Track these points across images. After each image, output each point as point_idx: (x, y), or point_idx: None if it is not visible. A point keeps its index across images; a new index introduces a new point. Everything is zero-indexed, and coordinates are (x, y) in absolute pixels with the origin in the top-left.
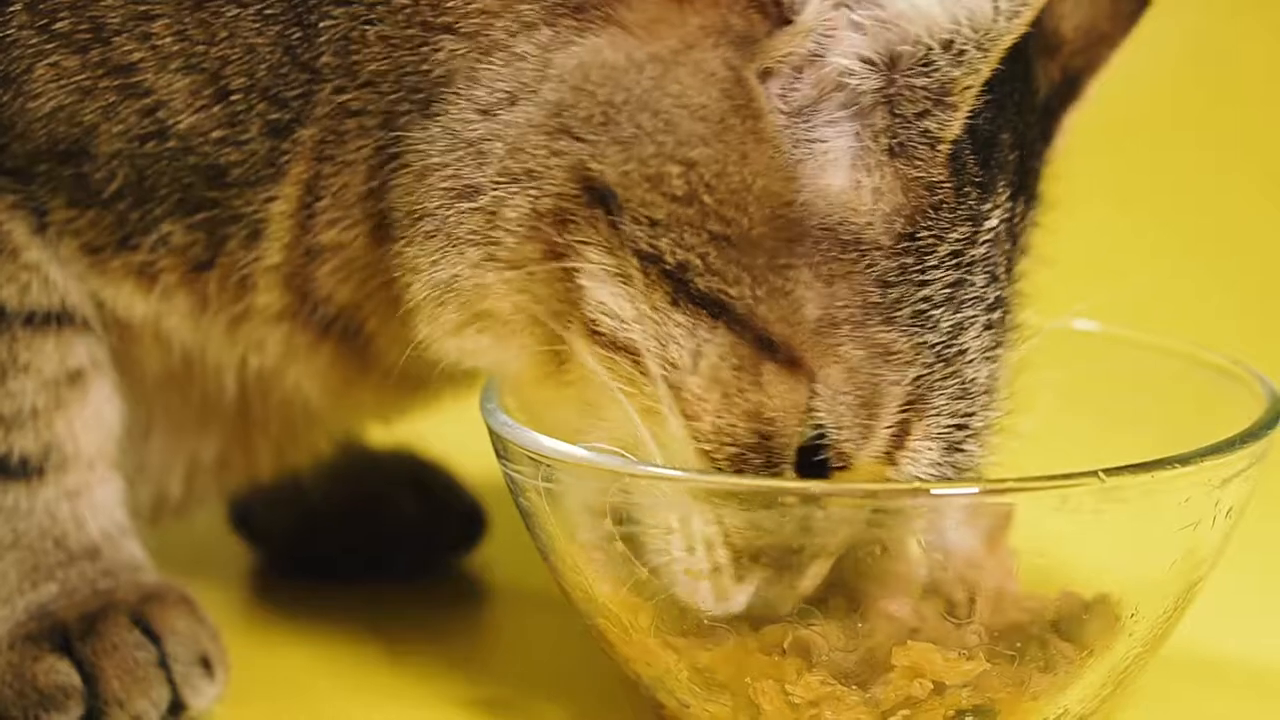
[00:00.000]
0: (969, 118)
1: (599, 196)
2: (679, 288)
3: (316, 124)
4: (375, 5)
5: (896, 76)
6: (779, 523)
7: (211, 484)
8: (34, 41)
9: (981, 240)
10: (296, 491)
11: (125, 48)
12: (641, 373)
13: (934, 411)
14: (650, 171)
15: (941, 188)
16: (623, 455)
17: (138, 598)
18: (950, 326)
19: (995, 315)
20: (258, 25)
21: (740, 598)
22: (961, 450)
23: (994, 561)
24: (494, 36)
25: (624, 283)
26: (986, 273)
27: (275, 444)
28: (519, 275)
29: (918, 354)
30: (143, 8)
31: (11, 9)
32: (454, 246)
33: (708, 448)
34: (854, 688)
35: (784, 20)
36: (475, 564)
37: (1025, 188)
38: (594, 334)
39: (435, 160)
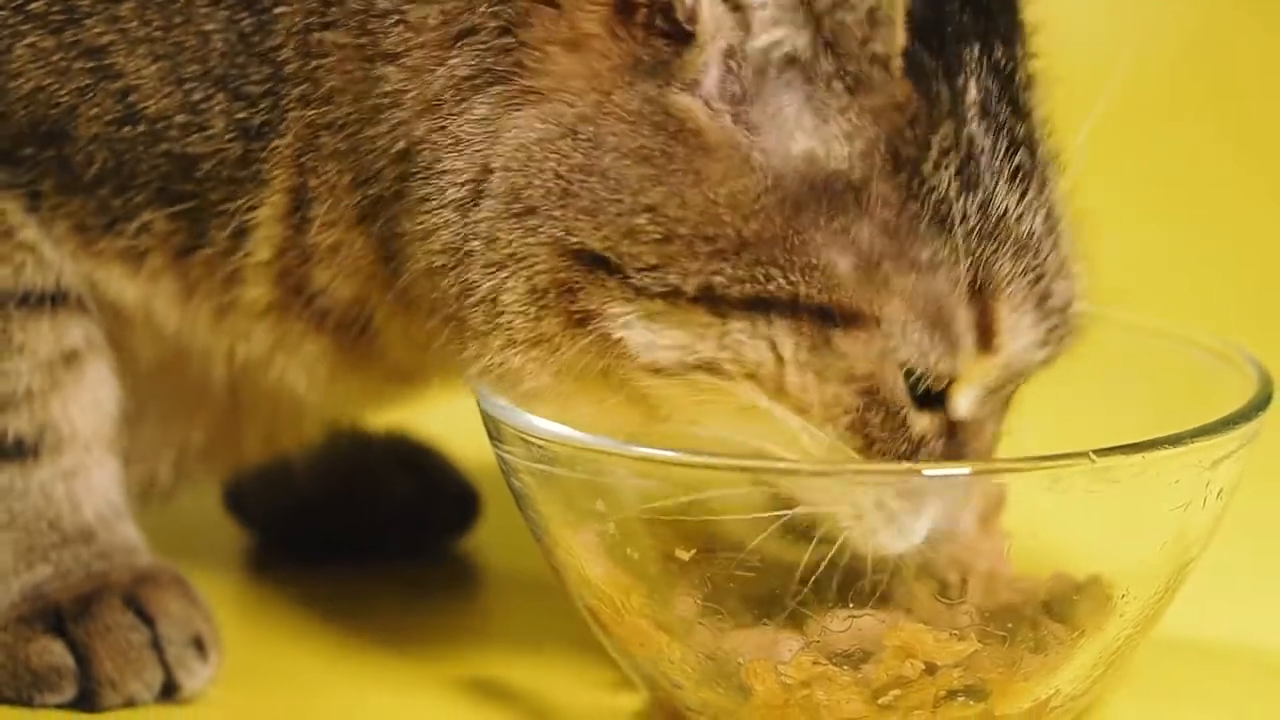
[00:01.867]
0: (905, 18)
1: (593, 260)
2: (716, 303)
3: (292, 134)
4: (329, 6)
5: (823, 21)
6: None
7: (201, 469)
8: (11, 21)
9: (970, 118)
10: (289, 474)
11: (96, 30)
12: (729, 379)
13: (1006, 284)
14: (623, 228)
15: (909, 100)
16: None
17: (131, 579)
18: (978, 206)
19: (1021, 162)
20: (206, 10)
21: (921, 527)
22: (1052, 296)
23: (986, 543)
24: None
25: (661, 318)
26: (990, 136)
27: (264, 431)
28: (546, 351)
29: (959, 249)
30: None
31: None
32: (475, 338)
33: (827, 425)
34: (845, 668)
35: (686, 35)
36: (469, 546)
37: (995, 27)
38: (659, 370)
39: (438, 263)
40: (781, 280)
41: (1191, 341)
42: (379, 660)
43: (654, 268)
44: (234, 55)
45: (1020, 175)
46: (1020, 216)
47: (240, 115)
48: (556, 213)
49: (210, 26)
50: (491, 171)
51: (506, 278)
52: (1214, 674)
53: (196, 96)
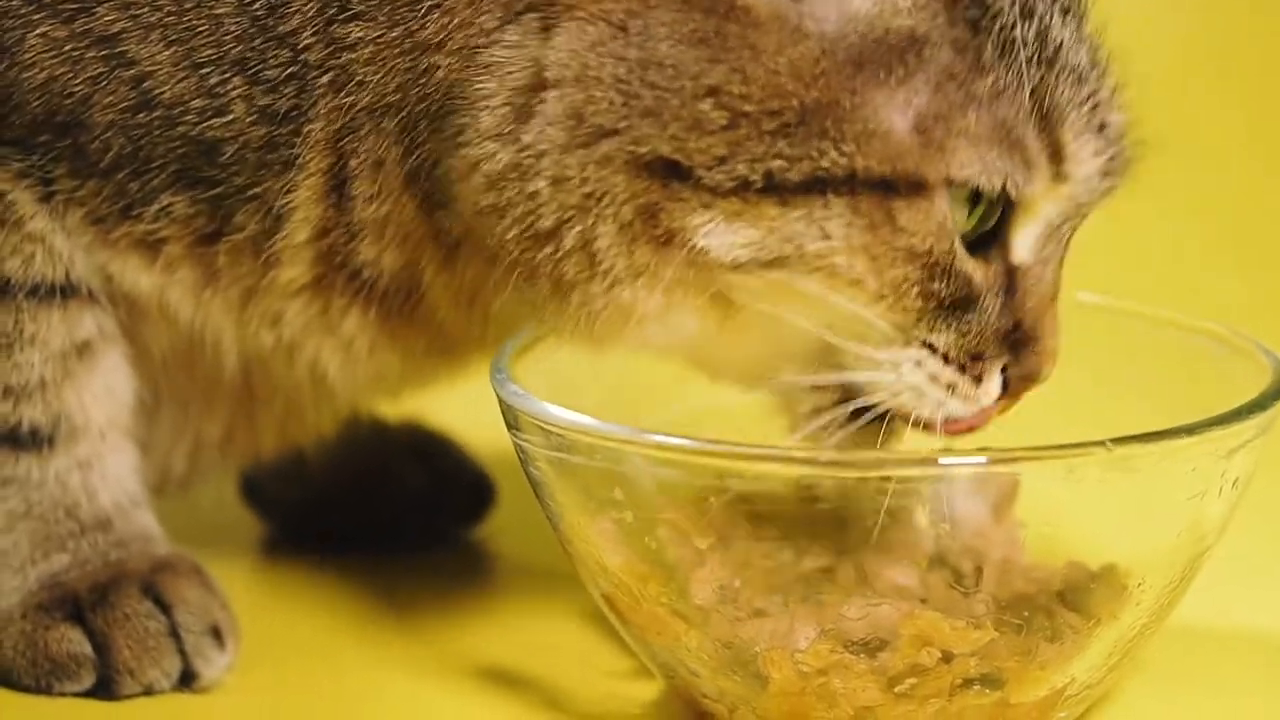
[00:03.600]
0: None
1: (665, 170)
2: (779, 191)
3: (325, 119)
4: None
5: None
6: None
7: (215, 460)
8: (24, 12)
9: None
10: (305, 465)
11: (108, 18)
12: (795, 271)
13: (1068, 110)
14: (689, 120)
15: None
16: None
17: (149, 568)
18: (1035, 34)
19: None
20: None
21: (993, 388)
22: (1109, 125)
23: (1001, 532)
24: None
25: (735, 217)
26: None
27: (279, 422)
28: (648, 279)
29: (1021, 74)
30: None
31: None
32: (574, 288)
33: (891, 306)
34: (861, 656)
35: None
36: (483, 535)
37: None
38: (739, 268)
39: (485, 202)
40: (835, 154)
41: (1205, 332)
42: (394, 648)
43: (723, 160)
44: (249, 40)
45: (1068, 10)
46: (1073, 48)
47: (262, 100)
48: (622, 124)
49: (222, 10)
50: (545, 88)
51: (593, 222)
52: (1227, 660)
53: (213, 80)
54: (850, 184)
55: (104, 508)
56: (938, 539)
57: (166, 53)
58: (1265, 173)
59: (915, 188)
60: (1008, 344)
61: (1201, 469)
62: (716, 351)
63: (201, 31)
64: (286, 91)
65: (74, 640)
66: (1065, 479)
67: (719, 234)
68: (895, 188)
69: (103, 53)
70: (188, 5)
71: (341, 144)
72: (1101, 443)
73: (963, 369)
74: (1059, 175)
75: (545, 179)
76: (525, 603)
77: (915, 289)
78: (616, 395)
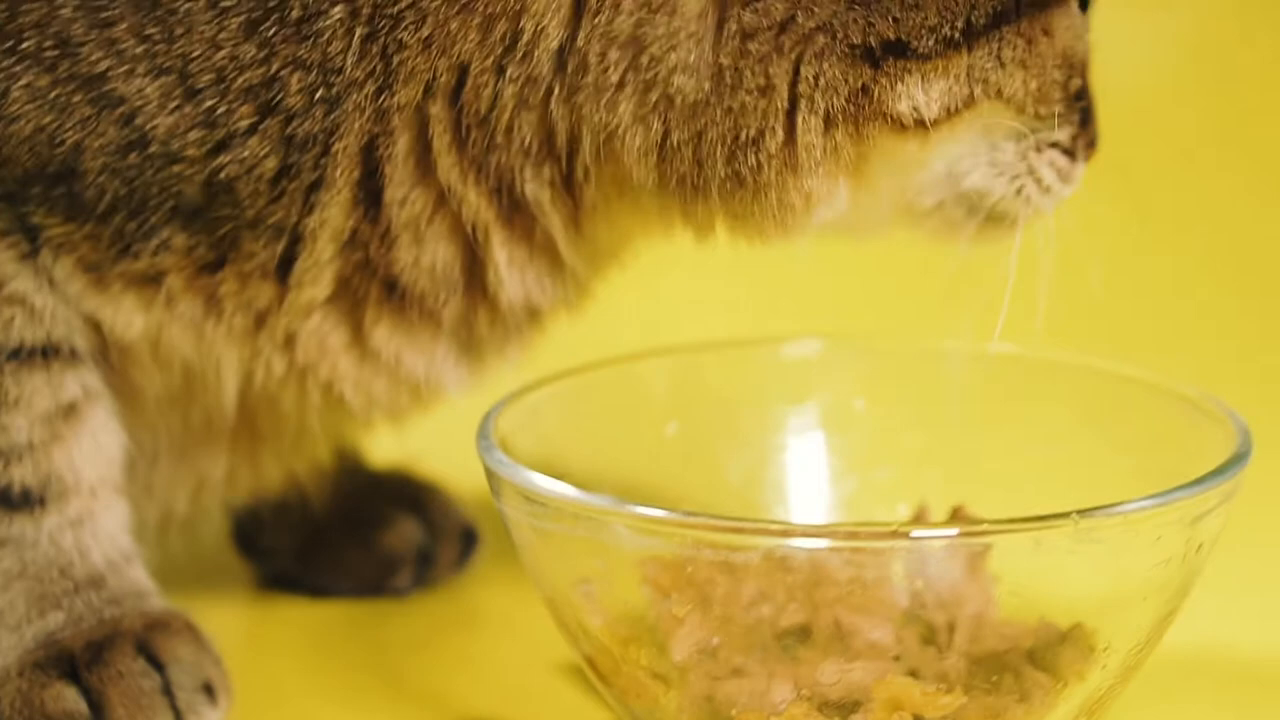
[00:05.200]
0: None
1: (881, 51)
2: (969, 38)
3: (358, 132)
4: None
5: None
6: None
7: (218, 499)
8: (4, 64)
9: None
10: (299, 515)
11: (92, 57)
12: (973, 106)
13: None
14: None
15: None
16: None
17: (143, 625)
18: None
19: None
20: (213, 17)
21: (1081, 163)
22: None
23: (974, 587)
24: None
25: (930, 76)
26: None
27: (280, 457)
28: (832, 164)
29: None
30: (103, 15)
31: None
32: (763, 193)
33: (1041, 112)
34: (836, 718)
35: None
36: (468, 582)
37: None
38: (923, 124)
39: (678, 136)
40: None
41: (1174, 394)
42: (381, 699)
43: (933, 28)
44: (261, 66)
45: None
46: None
47: (277, 130)
48: (836, 19)
49: (225, 35)
50: (740, 5)
51: (801, 118)
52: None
53: (216, 110)
54: (1016, 8)
55: (97, 565)
56: (912, 594)
57: (155, 84)
58: (1241, 234)
59: None
60: (1084, 116)
61: (1167, 536)
62: (859, 215)
63: (196, 58)
64: (313, 115)
65: (70, 699)
66: (1034, 550)
67: (917, 96)
68: (1043, 1)
69: (90, 95)
70: (178, 31)
71: (376, 151)
72: (1069, 514)
73: (1072, 155)
74: None
75: (749, 91)
76: (508, 652)
77: (1059, 89)
78: (603, 456)
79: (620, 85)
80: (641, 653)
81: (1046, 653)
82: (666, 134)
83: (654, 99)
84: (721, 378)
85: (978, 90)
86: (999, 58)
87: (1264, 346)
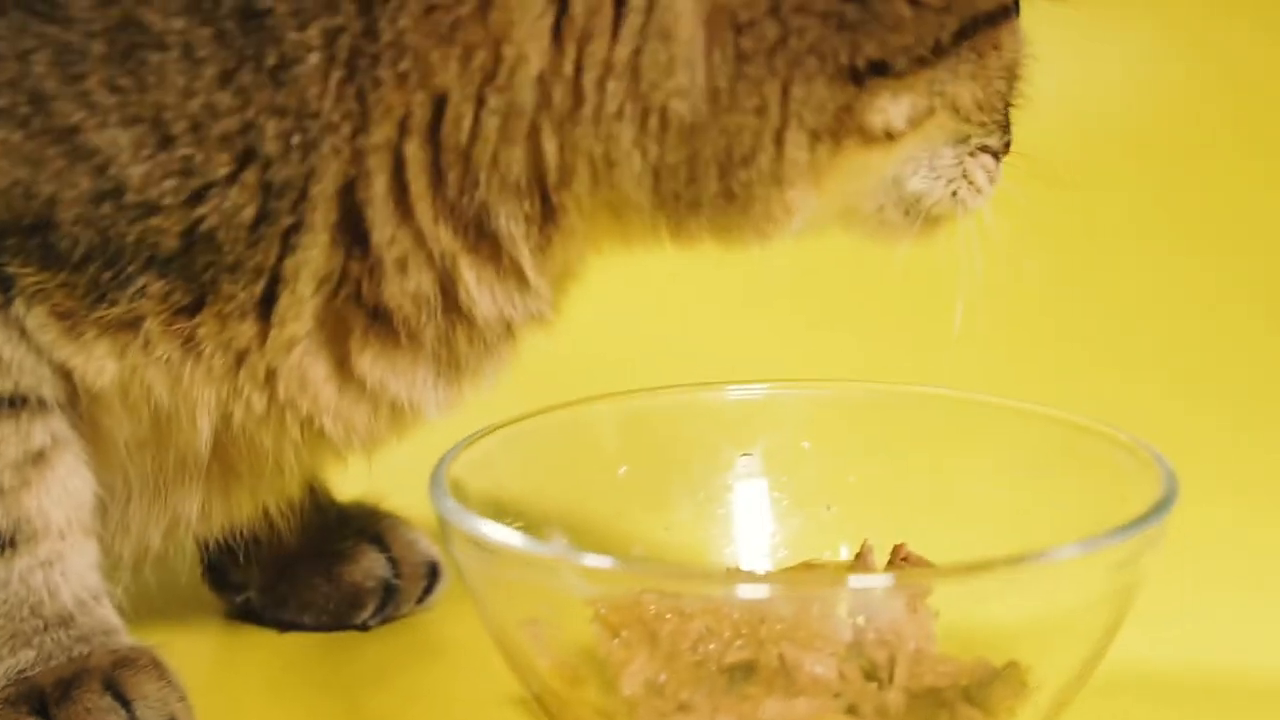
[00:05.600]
0: None
1: (865, 70)
2: (937, 55)
3: (335, 176)
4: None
5: None
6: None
7: (192, 534)
8: None
9: None
10: (267, 550)
11: (65, 110)
12: (932, 116)
13: None
14: (890, 22)
15: None
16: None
17: (110, 663)
18: None
19: None
20: (187, 67)
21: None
22: None
23: (914, 623)
24: None
25: (904, 91)
26: None
27: (253, 493)
28: (813, 175)
29: None
30: (75, 69)
31: None
32: (747, 206)
33: (984, 120)
34: None
35: None
36: (433, 614)
37: None
38: (891, 137)
39: (672, 158)
40: (971, 5)
41: (1102, 435)
42: None
43: (909, 48)
44: (234, 114)
45: None
46: None
47: (253, 177)
48: (825, 43)
49: (199, 84)
50: (735, 30)
51: (788, 135)
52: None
53: (194, 158)
54: (974, 26)
55: (66, 604)
56: (855, 630)
57: (127, 134)
58: (1167, 276)
59: (1006, 11)
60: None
61: (1095, 580)
62: (820, 215)
63: (170, 106)
64: (290, 160)
65: None
66: (964, 596)
67: (890, 111)
68: (996, 17)
69: (64, 147)
70: (151, 81)
71: (355, 194)
72: (998, 561)
73: (998, 157)
74: None
75: (744, 111)
76: (469, 685)
77: (1001, 99)
78: (556, 499)
79: (619, 114)
80: (588, 691)
81: (981, 690)
82: (662, 156)
83: (652, 125)
84: (670, 421)
85: (937, 102)
86: (957, 72)
87: (1192, 390)
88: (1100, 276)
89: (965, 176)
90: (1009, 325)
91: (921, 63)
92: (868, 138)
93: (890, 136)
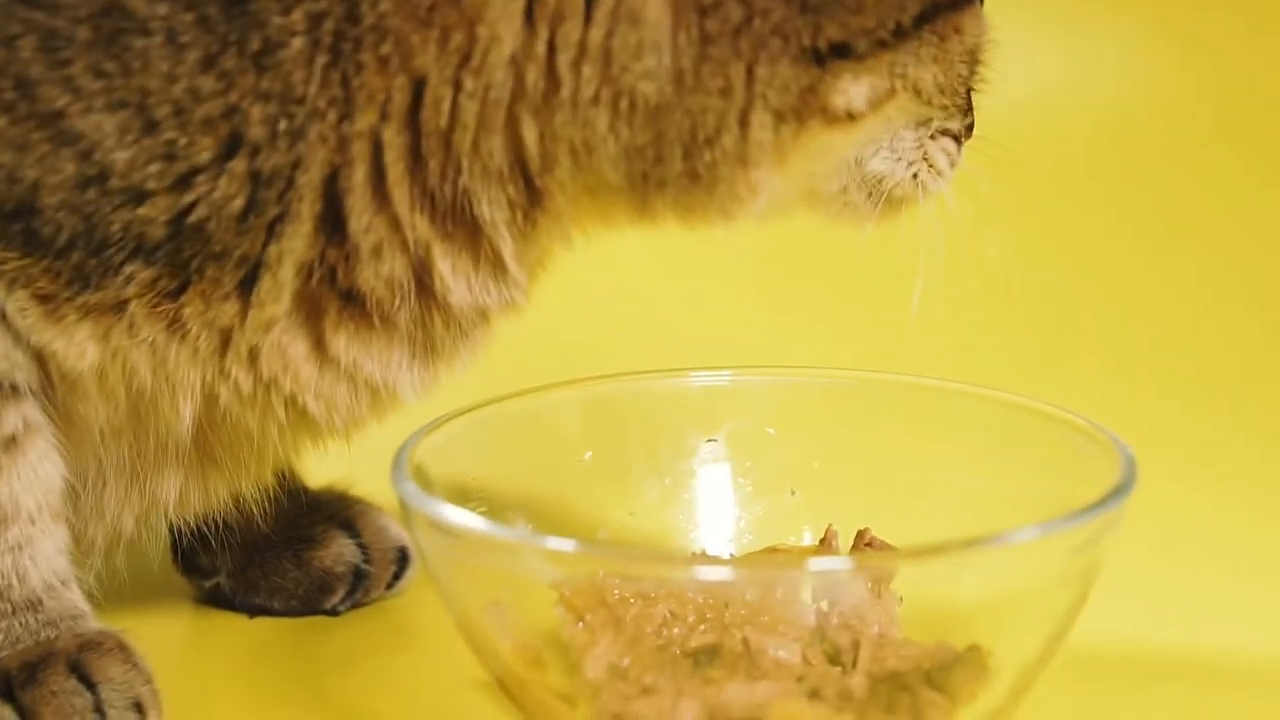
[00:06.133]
0: None
1: (828, 52)
2: (897, 38)
3: (320, 164)
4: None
5: None
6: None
7: (167, 519)
8: None
9: None
10: (238, 535)
11: (50, 95)
12: (891, 98)
13: None
14: (851, 4)
15: None
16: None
17: (76, 646)
18: None
19: None
20: (171, 52)
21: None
22: None
23: (878, 608)
24: None
25: (865, 73)
26: None
27: (230, 478)
28: (777, 156)
29: None
30: (61, 54)
31: None
32: (711, 187)
33: (946, 104)
34: None
35: None
36: (402, 599)
37: None
38: (853, 118)
39: (641, 139)
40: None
41: (1064, 421)
42: (313, 714)
43: (870, 30)
44: (218, 97)
45: None
46: None
47: (240, 165)
48: (789, 24)
49: (182, 68)
50: (699, 12)
51: (753, 117)
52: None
53: (177, 141)
54: (935, 10)
55: (34, 589)
56: (819, 614)
57: (112, 118)
58: (1132, 262)
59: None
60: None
61: (1052, 563)
62: (783, 196)
63: (154, 91)
64: (278, 148)
65: (5, 717)
66: (922, 578)
67: (852, 92)
68: (958, 2)
69: (48, 132)
70: (135, 66)
71: (337, 183)
72: (955, 544)
73: (959, 141)
74: None
75: (708, 92)
76: (437, 669)
77: (962, 83)
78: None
79: (595, 99)
80: (549, 674)
81: (943, 673)
82: (632, 138)
83: (623, 107)
84: (635, 407)
85: (897, 84)
86: (918, 55)
87: (1151, 373)
88: (1061, 265)
89: (926, 159)
90: (972, 311)
91: (882, 45)
92: (830, 118)
93: (852, 117)
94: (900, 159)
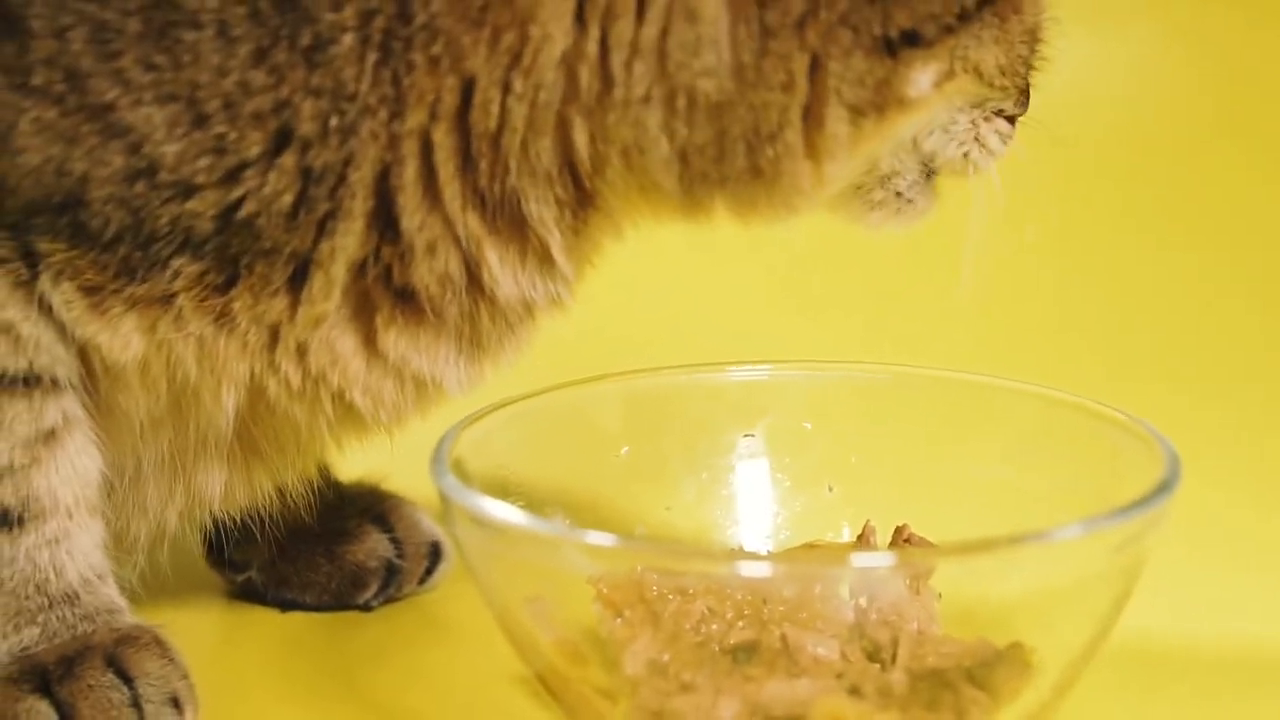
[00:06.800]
0: None
1: (899, 40)
2: (961, 22)
3: (371, 161)
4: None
5: None
6: None
7: (210, 514)
8: (9, 99)
9: None
10: (270, 529)
11: (100, 88)
12: (954, 80)
13: None
14: None
15: None
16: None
17: (113, 641)
18: None
19: None
20: (222, 45)
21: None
22: None
23: (917, 605)
24: None
25: (931, 59)
26: None
27: (274, 471)
28: (846, 148)
29: None
30: (111, 46)
31: None
32: (773, 182)
33: (1006, 85)
34: None
35: None
36: (436, 593)
37: None
38: (917, 104)
39: (700, 138)
40: None
41: (1106, 417)
42: (348, 709)
43: (936, 15)
44: (270, 92)
45: None
46: None
47: (291, 160)
48: (855, 14)
49: (233, 62)
50: (761, 5)
51: (823, 109)
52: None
53: (227, 135)
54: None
55: (71, 583)
56: (857, 610)
57: (162, 111)
58: (1174, 261)
59: None
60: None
61: (1095, 561)
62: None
63: (204, 84)
64: (330, 144)
65: (42, 712)
66: (966, 575)
67: (921, 79)
68: None
69: (98, 125)
70: (185, 59)
71: (388, 180)
72: (999, 540)
73: (1013, 121)
74: None
75: (771, 87)
76: (471, 664)
77: (1022, 64)
78: (558, 478)
79: (647, 98)
80: (590, 670)
81: (984, 670)
82: (690, 137)
83: (680, 105)
84: (673, 401)
85: (958, 66)
86: (979, 36)
87: (1193, 372)
88: (1102, 262)
89: (978, 139)
90: (1011, 306)
91: (949, 30)
92: (905, 107)
93: (918, 103)
94: (953, 138)
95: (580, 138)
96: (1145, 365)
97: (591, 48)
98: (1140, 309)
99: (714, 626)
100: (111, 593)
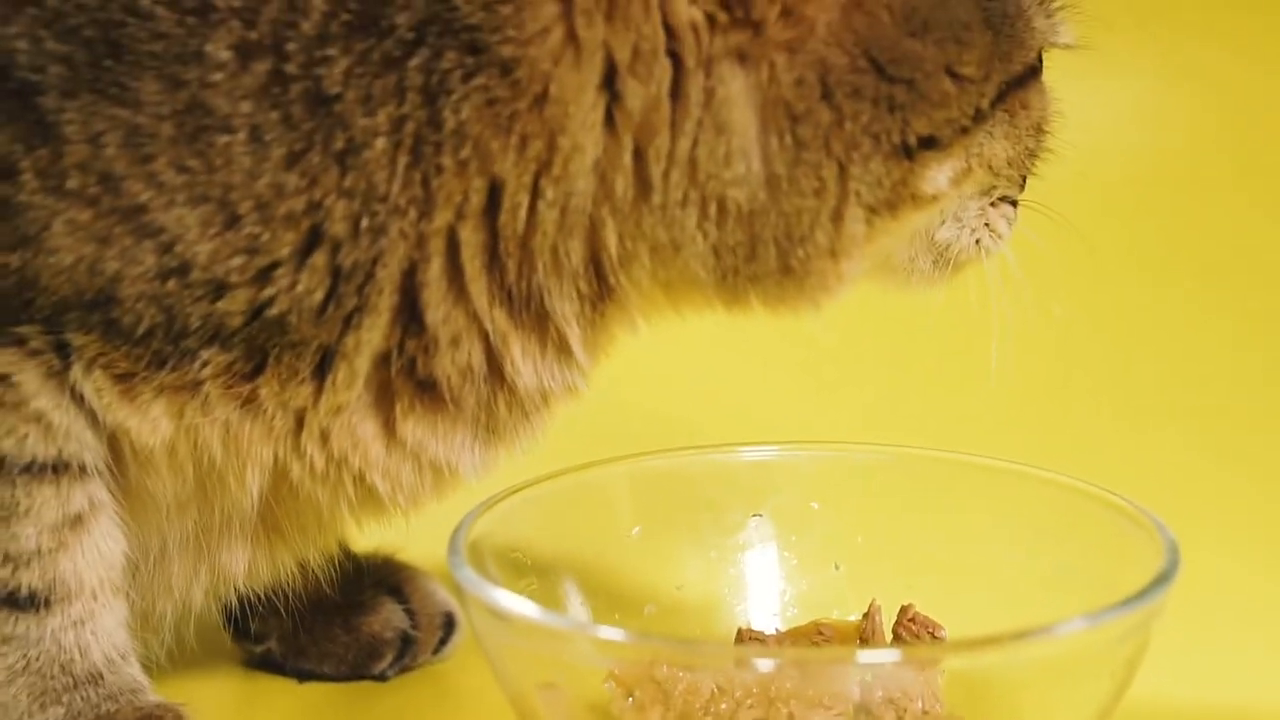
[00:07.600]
0: None
1: (918, 145)
2: (977, 122)
3: (398, 259)
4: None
5: None
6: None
7: (236, 590)
8: (45, 203)
9: None
10: (287, 601)
11: (133, 190)
12: (969, 175)
13: None
14: (935, 98)
15: None
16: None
17: (137, 719)
18: None
19: None
20: (254, 149)
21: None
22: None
23: (921, 683)
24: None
25: (947, 158)
26: None
27: (296, 549)
28: (867, 245)
29: None
30: (145, 150)
31: (21, 177)
32: (802, 279)
33: (1010, 176)
34: None
35: None
36: (450, 663)
37: None
38: (935, 199)
39: (734, 239)
40: (1004, 67)
41: (1106, 502)
42: None
43: (953, 120)
44: (301, 194)
45: None
46: None
47: (321, 259)
48: (878, 124)
49: (267, 164)
50: (790, 119)
51: (847, 211)
52: None
53: (260, 236)
54: (1008, 89)
55: (95, 663)
56: (863, 687)
57: (195, 212)
58: (1175, 343)
59: (1034, 72)
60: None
61: (1097, 651)
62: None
63: (237, 186)
64: (360, 244)
65: None
66: (969, 666)
67: (937, 178)
68: (1025, 78)
69: (131, 225)
70: (218, 162)
71: (415, 276)
72: (1003, 636)
73: (1015, 204)
74: None
75: (803, 194)
76: None
77: (1030, 155)
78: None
79: (684, 202)
80: None
81: None
82: (722, 239)
83: (712, 211)
84: (682, 482)
85: (974, 163)
86: (991, 132)
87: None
88: (1106, 336)
89: (988, 225)
90: (1016, 389)
91: (964, 132)
92: (919, 203)
93: (934, 199)
94: (964, 226)
95: (611, 237)
96: (1148, 437)
97: (626, 158)
98: (1145, 386)
99: (723, 705)
100: (134, 671)
